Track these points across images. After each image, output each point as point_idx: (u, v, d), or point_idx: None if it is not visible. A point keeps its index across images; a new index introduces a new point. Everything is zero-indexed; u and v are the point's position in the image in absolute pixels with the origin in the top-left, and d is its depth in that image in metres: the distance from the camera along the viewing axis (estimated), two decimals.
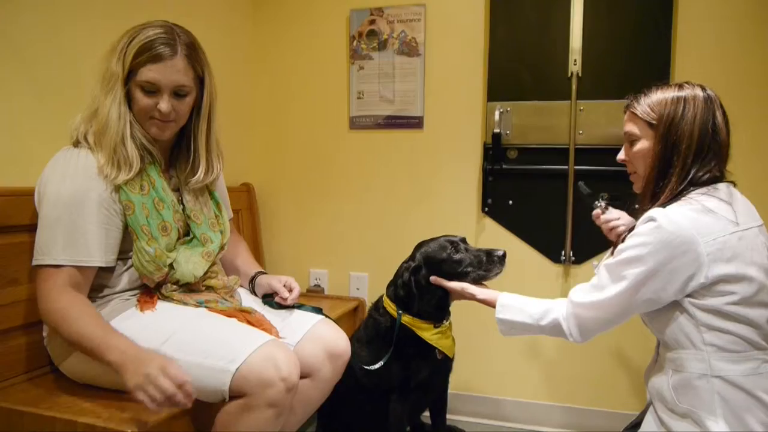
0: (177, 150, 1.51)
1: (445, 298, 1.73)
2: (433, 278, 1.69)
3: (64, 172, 1.32)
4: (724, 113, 1.33)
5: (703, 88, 1.33)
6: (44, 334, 1.44)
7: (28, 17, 1.56)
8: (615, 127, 2.14)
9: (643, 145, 1.36)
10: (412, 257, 1.78)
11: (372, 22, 2.41)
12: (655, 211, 1.25)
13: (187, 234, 1.48)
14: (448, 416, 2.00)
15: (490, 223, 2.34)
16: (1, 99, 1.50)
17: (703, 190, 1.28)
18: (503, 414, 2.38)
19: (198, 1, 2.25)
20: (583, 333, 1.36)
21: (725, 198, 1.28)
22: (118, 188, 1.34)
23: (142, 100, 1.36)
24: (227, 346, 1.28)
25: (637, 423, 1.46)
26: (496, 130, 2.24)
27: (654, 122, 1.33)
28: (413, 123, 2.41)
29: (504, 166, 2.29)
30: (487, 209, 2.34)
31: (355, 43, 2.44)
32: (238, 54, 2.52)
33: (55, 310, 1.27)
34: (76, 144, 1.37)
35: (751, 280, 1.21)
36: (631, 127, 1.39)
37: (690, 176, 1.29)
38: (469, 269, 1.67)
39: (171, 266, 1.42)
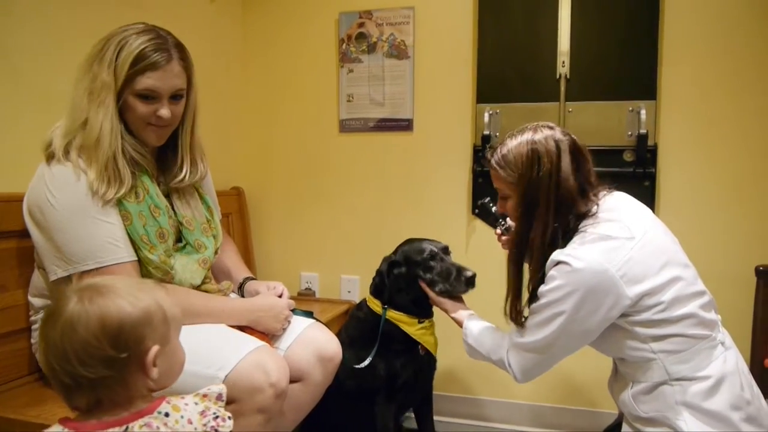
0: (163, 155, 1.47)
1: (421, 297, 1.74)
2: (421, 282, 1.72)
3: (59, 189, 1.27)
4: (578, 149, 1.36)
5: (551, 128, 1.36)
6: (32, 341, 1.43)
7: (22, 25, 1.56)
8: (604, 128, 2.16)
9: (512, 202, 1.38)
10: (395, 251, 1.82)
11: (361, 25, 2.41)
12: (559, 254, 1.26)
13: (179, 240, 1.46)
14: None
15: (480, 225, 2.35)
16: None
17: (590, 220, 1.30)
18: (487, 414, 2.39)
19: (187, 4, 2.25)
20: (524, 373, 1.39)
21: (612, 217, 1.29)
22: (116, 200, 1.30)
23: (140, 108, 1.32)
24: (217, 353, 1.28)
25: (618, 424, 1.48)
26: (486, 132, 2.25)
27: (514, 182, 1.34)
28: (403, 126, 2.42)
29: None
30: (477, 211, 2.35)
31: (344, 46, 2.44)
32: (228, 57, 2.52)
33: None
34: (51, 158, 1.30)
35: (671, 283, 1.23)
36: (500, 185, 1.40)
37: (551, 236, 1.30)
38: (437, 279, 1.70)
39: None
